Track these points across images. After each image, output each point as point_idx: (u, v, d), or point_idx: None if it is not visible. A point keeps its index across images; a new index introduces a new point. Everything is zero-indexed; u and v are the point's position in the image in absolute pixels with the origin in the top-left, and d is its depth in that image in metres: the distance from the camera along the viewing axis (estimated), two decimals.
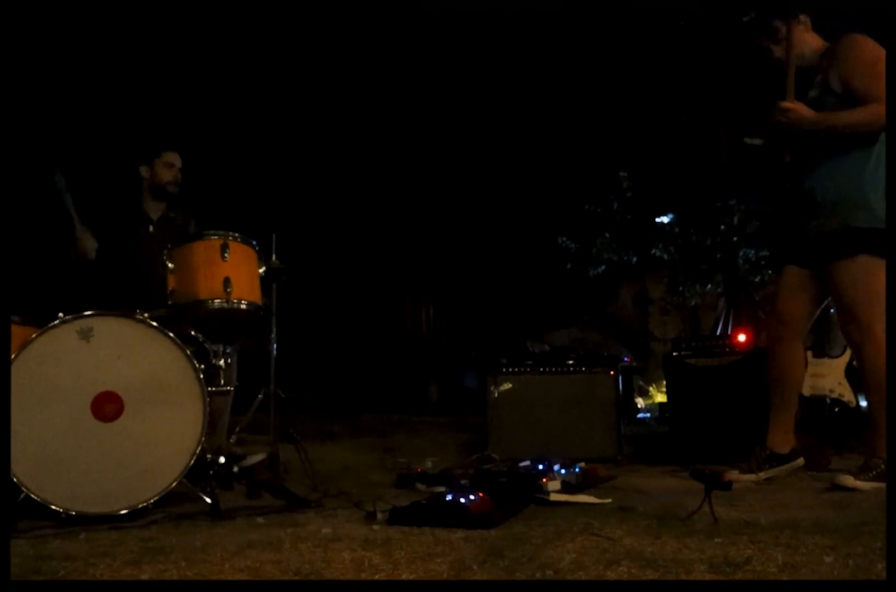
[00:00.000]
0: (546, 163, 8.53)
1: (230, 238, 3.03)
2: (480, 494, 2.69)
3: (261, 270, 3.19)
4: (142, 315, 2.80)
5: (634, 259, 8.40)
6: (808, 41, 3.17)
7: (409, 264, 11.71)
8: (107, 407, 2.69)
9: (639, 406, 8.17)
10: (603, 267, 8.57)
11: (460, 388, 10.78)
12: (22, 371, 2.62)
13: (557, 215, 8.73)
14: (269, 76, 8.49)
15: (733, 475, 3.16)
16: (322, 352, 10.85)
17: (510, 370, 4.39)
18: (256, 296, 3.05)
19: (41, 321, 3.14)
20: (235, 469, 3.10)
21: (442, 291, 11.55)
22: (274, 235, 3.56)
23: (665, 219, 8.36)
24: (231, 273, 2.97)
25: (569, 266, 8.70)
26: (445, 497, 2.66)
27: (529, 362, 4.47)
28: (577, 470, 3.38)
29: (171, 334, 2.80)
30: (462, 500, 2.60)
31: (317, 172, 9.78)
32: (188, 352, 2.81)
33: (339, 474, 3.82)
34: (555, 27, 7.14)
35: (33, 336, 2.66)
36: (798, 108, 2.99)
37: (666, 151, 7.09)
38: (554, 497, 2.86)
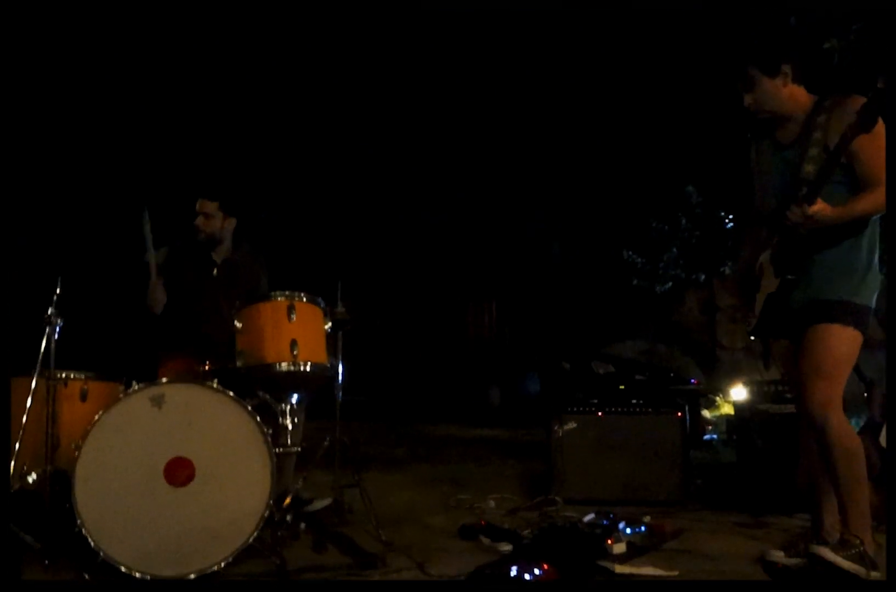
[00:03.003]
0: (615, 174, 8.39)
1: (297, 298, 3.06)
2: (545, 566, 2.68)
3: (327, 326, 3.21)
4: (212, 381, 2.86)
5: (703, 277, 8.19)
6: (785, 97, 2.93)
7: (472, 269, 11.71)
8: (179, 472, 2.76)
9: (706, 418, 8.02)
10: (670, 284, 8.39)
11: (523, 393, 10.76)
12: (98, 440, 2.70)
13: (624, 228, 8.60)
14: (325, 125, 8.62)
15: (778, 556, 3.00)
16: (384, 357, 10.95)
17: (575, 409, 4.34)
18: (322, 357, 3.08)
19: (114, 374, 3.26)
20: (302, 526, 3.15)
21: (505, 296, 11.51)
22: (339, 283, 3.57)
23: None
24: (297, 334, 3.00)
25: (635, 282, 8.54)
26: (510, 570, 2.66)
27: (595, 401, 4.42)
28: (642, 529, 3.34)
29: (240, 399, 2.85)
30: (527, 576, 2.60)
31: (382, 181, 9.86)
32: (256, 417, 2.86)
33: (402, 517, 3.86)
34: (621, 40, 6.99)
35: (108, 407, 2.75)
36: (824, 211, 2.74)
37: (734, 168, 6.86)
38: (619, 569, 2.83)
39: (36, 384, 2.97)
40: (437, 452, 5.88)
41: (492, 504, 4.15)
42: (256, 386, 3.04)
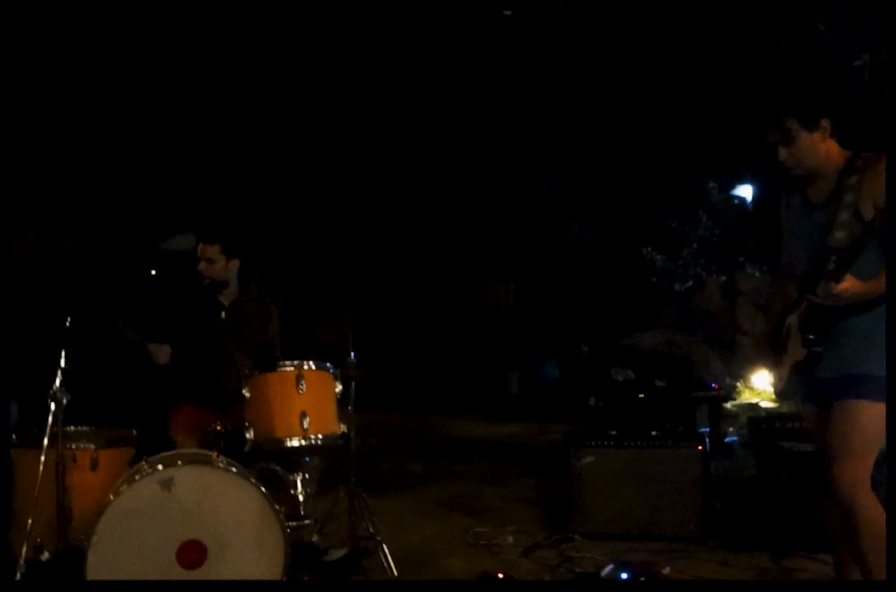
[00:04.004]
0: (635, 161, 8.18)
1: (305, 367, 2.98)
2: None
3: (338, 389, 3.14)
4: (221, 461, 2.80)
5: (723, 278, 7.99)
6: (822, 153, 2.78)
7: (488, 249, 11.57)
8: (192, 555, 2.74)
9: (727, 408, 7.93)
10: (690, 282, 8.20)
11: (542, 380, 10.72)
12: (109, 526, 2.67)
13: (643, 225, 8.41)
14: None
15: None
16: (400, 342, 10.91)
17: (592, 443, 4.27)
18: (334, 426, 3.03)
19: (125, 435, 3.22)
20: None
21: (522, 278, 11.39)
22: (350, 333, 3.49)
23: None
24: (307, 405, 2.94)
25: (654, 280, 8.36)
26: None
27: (613, 432, 4.34)
28: None
29: (249, 477, 2.81)
30: None
31: (405, 169, 9.72)
32: (267, 495, 2.81)
33: (419, 558, 3.83)
34: (640, 35, 6.72)
35: (117, 490, 2.70)
36: (853, 288, 2.62)
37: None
38: None
39: (45, 457, 2.93)
40: (454, 466, 5.85)
41: (510, 539, 4.12)
42: (267, 459, 2.99)
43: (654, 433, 4.32)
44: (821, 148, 2.80)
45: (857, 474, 2.72)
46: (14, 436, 3.12)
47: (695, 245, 8.12)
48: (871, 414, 2.72)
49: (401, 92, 8.64)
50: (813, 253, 2.85)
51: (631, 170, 8.19)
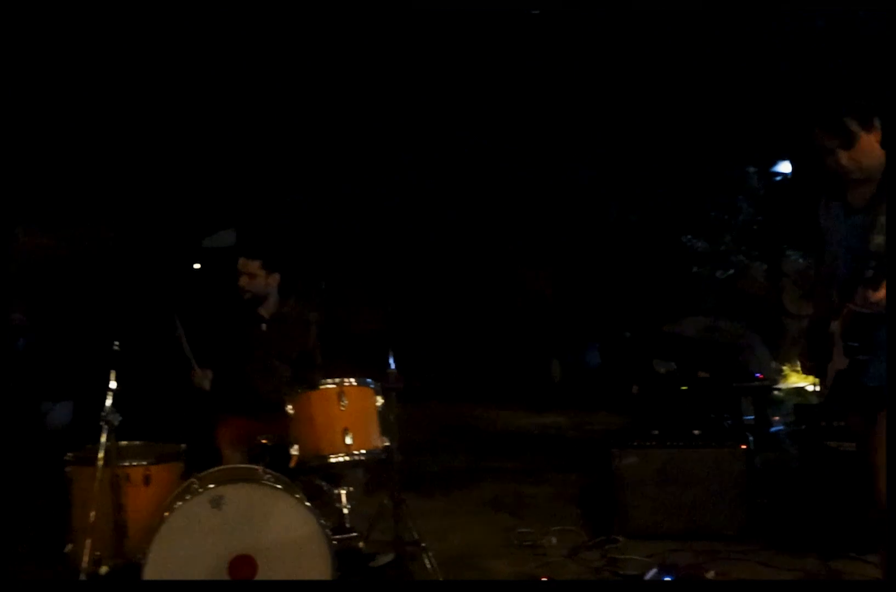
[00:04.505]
0: (674, 154, 8.04)
1: (346, 384, 3.04)
2: None
3: (379, 403, 3.20)
4: (269, 478, 2.88)
5: (765, 266, 7.85)
6: (879, 155, 2.70)
7: (527, 234, 11.51)
8: (243, 570, 2.83)
9: (774, 396, 7.84)
10: (732, 271, 8.07)
11: (584, 366, 10.69)
12: (163, 544, 2.78)
13: (683, 211, 8.27)
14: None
15: None
16: (438, 333, 10.92)
17: (635, 444, 4.28)
18: (376, 441, 3.10)
19: (175, 451, 3.32)
20: None
21: (563, 264, 11.32)
22: (391, 351, 3.52)
23: None
24: (349, 422, 3.01)
25: (695, 269, 8.24)
26: None
27: (655, 432, 4.34)
28: None
29: (295, 493, 2.89)
30: None
31: (446, 158, 9.72)
32: (313, 509, 2.89)
33: (463, 561, 3.89)
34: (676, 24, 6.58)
35: (170, 507, 2.80)
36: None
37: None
38: None
39: (100, 475, 3.03)
40: (497, 462, 5.89)
41: (553, 540, 4.16)
42: (312, 474, 3.07)
43: (696, 432, 4.31)
44: (877, 149, 2.72)
45: None
46: (71, 454, 3.24)
47: (735, 232, 7.98)
48: None
49: (443, 85, 8.61)
50: (852, 258, 2.80)
51: (670, 156, 8.06)
